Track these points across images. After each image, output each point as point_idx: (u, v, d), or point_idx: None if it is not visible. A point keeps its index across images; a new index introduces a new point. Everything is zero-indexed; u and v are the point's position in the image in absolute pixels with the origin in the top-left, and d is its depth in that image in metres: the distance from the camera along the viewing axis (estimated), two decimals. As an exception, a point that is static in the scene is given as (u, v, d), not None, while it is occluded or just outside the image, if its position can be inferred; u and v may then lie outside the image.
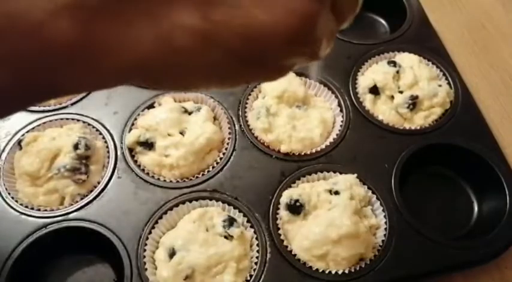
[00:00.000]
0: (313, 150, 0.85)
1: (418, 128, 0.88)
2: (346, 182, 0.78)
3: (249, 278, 0.73)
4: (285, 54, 0.31)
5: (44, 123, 0.87)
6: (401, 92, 0.91)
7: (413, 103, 0.89)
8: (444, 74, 0.95)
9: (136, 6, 0.26)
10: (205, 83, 0.33)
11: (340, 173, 0.81)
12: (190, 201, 0.79)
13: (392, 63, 0.93)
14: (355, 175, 0.80)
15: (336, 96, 0.92)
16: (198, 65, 0.29)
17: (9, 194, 0.79)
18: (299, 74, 0.93)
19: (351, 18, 0.35)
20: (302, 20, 0.28)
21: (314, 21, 0.29)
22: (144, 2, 0.27)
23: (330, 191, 0.78)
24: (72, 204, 0.79)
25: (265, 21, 0.28)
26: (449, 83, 0.94)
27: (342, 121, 0.89)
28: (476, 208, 0.85)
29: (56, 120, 0.88)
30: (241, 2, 0.27)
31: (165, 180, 0.82)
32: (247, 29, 0.28)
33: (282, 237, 0.76)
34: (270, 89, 0.88)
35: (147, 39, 0.27)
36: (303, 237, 0.74)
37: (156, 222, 0.77)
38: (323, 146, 0.86)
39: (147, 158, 0.83)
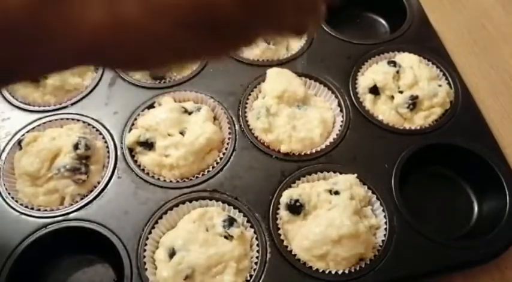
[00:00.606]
0: (313, 150, 0.85)
1: (418, 128, 0.88)
2: (346, 182, 0.78)
3: (249, 278, 0.73)
4: (240, 22, 0.29)
5: (44, 123, 0.87)
6: (401, 92, 0.91)
7: (413, 103, 0.89)
8: (444, 74, 0.95)
9: None
10: (162, 57, 0.32)
11: (340, 173, 0.81)
12: (190, 201, 0.79)
13: (392, 63, 0.93)
14: (355, 175, 0.80)
15: (336, 96, 0.92)
16: (150, 39, 0.29)
17: (9, 194, 0.80)
18: (299, 74, 0.93)
19: None
20: None
21: None
22: None
23: (330, 191, 0.78)
24: (72, 204, 0.79)
25: None
26: (449, 83, 0.94)
27: (342, 121, 0.89)
28: (476, 208, 0.85)
29: (56, 120, 0.88)
30: None
31: (165, 180, 0.82)
32: None
33: (282, 237, 0.76)
34: (270, 89, 0.88)
35: (97, 14, 0.27)
36: (303, 237, 0.74)
37: (156, 222, 0.77)
38: (323, 146, 0.86)
39: (147, 158, 0.83)
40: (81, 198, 0.79)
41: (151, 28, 0.28)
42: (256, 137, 0.86)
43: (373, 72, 0.94)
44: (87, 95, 0.91)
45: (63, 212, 0.77)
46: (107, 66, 0.31)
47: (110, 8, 0.27)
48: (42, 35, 0.27)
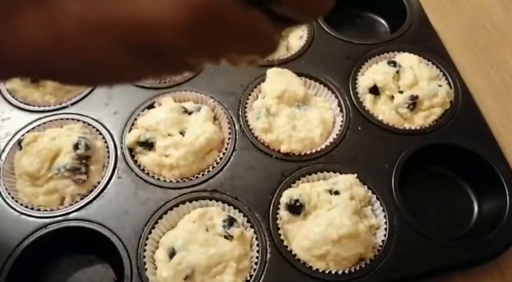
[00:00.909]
0: (313, 150, 0.85)
1: (418, 128, 0.88)
2: (346, 182, 0.78)
3: (249, 278, 0.73)
4: (183, 49, 0.29)
5: (44, 123, 0.87)
6: (401, 92, 0.91)
7: (413, 103, 0.89)
8: (444, 74, 0.95)
9: None
10: (102, 76, 0.31)
11: (340, 173, 0.81)
12: (190, 201, 0.79)
13: (392, 63, 0.93)
14: (355, 175, 0.80)
15: (336, 96, 0.92)
16: (89, 57, 0.29)
17: (9, 194, 0.80)
18: (299, 74, 0.93)
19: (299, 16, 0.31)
20: (192, 12, 0.26)
21: (210, 15, 0.27)
22: None
23: (330, 191, 0.78)
24: (72, 204, 0.79)
25: (152, 10, 0.26)
26: (449, 83, 0.94)
27: (342, 121, 0.89)
28: (476, 208, 0.85)
29: (56, 120, 0.88)
30: None
31: (165, 180, 0.82)
32: (133, 19, 0.27)
33: (282, 237, 0.76)
34: (270, 89, 0.88)
35: (35, 27, 0.26)
36: (303, 237, 0.74)
37: (156, 222, 0.77)
38: (323, 146, 0.86)
39: (147, 158, 0.83)
40: (81, 198, 0.79)
41: (92, 47, 0.28)
42: (256, 137, 0.86)
43: (373, 72, 0.94)
44: (87, 95, 0.91)
45: (63, 212, 0.77)
46: (48, 79, 0.30)
47: (48, 27, 0.26)
48: None
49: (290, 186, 0.80)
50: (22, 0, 0.26)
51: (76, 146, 0.80)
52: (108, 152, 0.84)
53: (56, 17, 0.26)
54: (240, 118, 0.88)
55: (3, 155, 0.84)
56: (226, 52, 0.31)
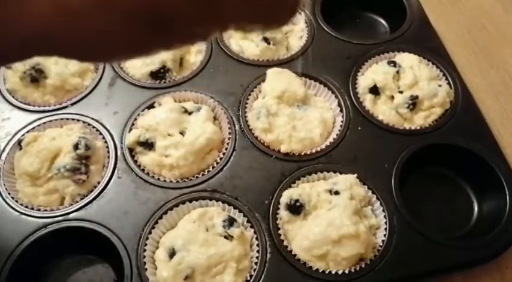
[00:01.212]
0: (313, 150, 0.85)
1: (418, 128, 0.88)
2: (346, 182, 0.78)
3: (249, 278, 0.73)
4: (189, 17, 0.29)
5: (44, 123, 0.87)
6: (401, 92, 0.91)
7: (413, 103, 0.89)
8: (444, 74, 0.95)
9: None
10: (113, 49, 0.32)
11: (340, 173, 0.81)
12: (190, 201, 0.79)
13: (392, 63, 0.93)
14: (355, 175, 0.80)
15: (336, 96, 0.92)
16: (99, 29, 0.29)
17: (9, 194, 0.80)
18: (299, 74, 0.93)
19: None
20: None
21: None
22: None
23: (330, 191, 0.78)
24: (72, 204, 0.79)
25: None
26: (449, 83, 0.94)
27: (342, 121, 0.89)
28: (476, 208, 0.85)
29: (56, 120, 0.88)
30: None
31: (165, 180, 0.82)
32: None
33: (282, 237, 0.76)
34: (270, 89, 0.88)
35: (43, 4, 0.27)
36: (303, 237, 0.74)
37: (156, 222, 0.77)
38: (323, 146, 0.86)
39: (147, 158, 0.83)
40: (81, 198, 0.79)
41: (98, 18, 0.28)
42: (256, 137, 0.86)
43: (373, 72, 0.94)
44: (87, 95, 0.91)
45: (63, 212, 0.77)
46: (58, 55, 0.30)
47: (55, 1, 0.27)
48: None
49: (290, 186, 0.80)
50: None
51: (76, 146, 0.80)
52: (108, 152, 0.84)
53: None
54: (240, 118, 0.88)
55: (3, 155, 0.84)
56: (235, 19, 0.31)
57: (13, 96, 0.91)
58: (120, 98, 0.90)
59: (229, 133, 0.86)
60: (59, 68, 0.92)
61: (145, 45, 0.32)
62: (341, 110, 0.90)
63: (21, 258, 0.73)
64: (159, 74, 0.94)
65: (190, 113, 0.86)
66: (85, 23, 0.28)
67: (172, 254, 0.72)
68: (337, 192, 0.77)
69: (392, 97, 0.91)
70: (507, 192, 0.80)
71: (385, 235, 0.76)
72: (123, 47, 0.32)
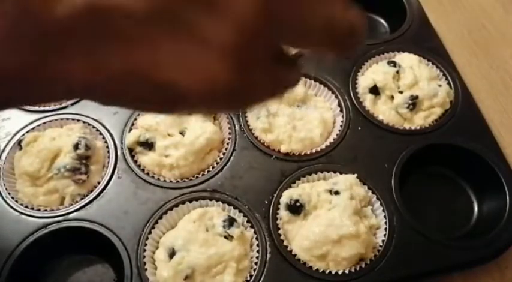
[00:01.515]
0: (313, 150, 0.85)
1: (418, 128, 0.88)
2: (346, 182, 0.78)
3: (249, 278, 0.73)
4: (204, 106, 0.30)
5: (44, 123, 0.87)
6: (401, 92, 0.91)
7: (413, 103, 0.89)
8: (444, 74, 0.95)
9: (77, 42, 0.27)
10: (147, 110, 0.33)
11: (340, 173, 0.81)
12: (190, 201, 0.79)
13: (392, 63, 0.93)
14: (355, 175, 0.80)
15: (336, 96, 0.92)
16: (128, 98, 0.30)
17: (9, 194, 0.79)
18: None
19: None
20: (214, 86, 0.28)
21: (229, 90, 0.28)
22: (85, 41, 0.27)
23: (330, 191, 0.78)
24: (72, 204, 0.79)
25: (180, 80, 0.27)
26: (449, 83, 0.94)
27: (342, 121, 0.89)
28: (476, 208, 0.85)
29: (56, 120, 0.88)
30: (159, 54, 0.26)
31: (165, 180, 0.82)
32: (164, 81, 0.27)
33: (282, 237, 0.76)
34: (270, 89, 0.88)
35: (82, 68, 0.27)
36: (303, 237, 0.74)
37: (156, 222, 0.77)
38: (323, 146, 0.86)
39: (147, 158, 0.83)
40: (81, 198, 0.79)
41: (128, 91, 0.29)
42: (256, 137, 0.86)
43: (373, 72, 0.94)
44: (87, 95, 0.91)
45: (63, 212, 0.77)
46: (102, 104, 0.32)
47: (92, 63, 0.27)
48: (33, 85, 0.28)
49: (290, 186, 0.80)
50: (72, 49, 0.27)
51: (76, 146, 0.80)
52: (108, 152, 0.84)
53: (98, 69, 0.27)
54: (240, 118, 0.88)
55: (3, 155, 0.83)
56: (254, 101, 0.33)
57: (13, 96, 0.91)
58: (120, 98, 0.90)
59: (229, 133, 0.86)
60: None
61: (167, 111, 0.33)
62: (341, 110, 0.90)
63: (21, 258, 0.73)
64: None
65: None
66: (119, 91, 0.29)
67: (172, 254, 0.72)
68: (337, 192, 0.77)
69: (392, 97, 0.91)
70: (507, 192, 0.80)
71: (385, 235, 0.76)
72: (158, 110, 0.33)
